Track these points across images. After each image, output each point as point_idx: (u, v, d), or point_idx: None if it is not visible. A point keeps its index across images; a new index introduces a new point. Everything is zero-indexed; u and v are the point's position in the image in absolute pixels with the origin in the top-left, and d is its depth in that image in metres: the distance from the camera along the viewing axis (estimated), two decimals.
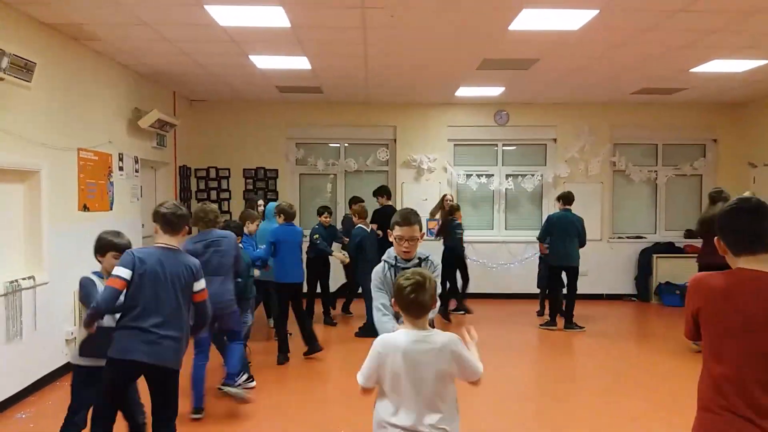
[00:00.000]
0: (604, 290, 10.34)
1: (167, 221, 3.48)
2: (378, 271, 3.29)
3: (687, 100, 9.84)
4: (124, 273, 3.29)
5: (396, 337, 2.56)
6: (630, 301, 10.35)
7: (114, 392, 3.42)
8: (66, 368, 6.01)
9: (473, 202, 10.55)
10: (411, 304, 2.52)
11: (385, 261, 3.32)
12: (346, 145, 10.57)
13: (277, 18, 5.54)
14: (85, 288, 3.58)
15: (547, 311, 8.68)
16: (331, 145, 10.60)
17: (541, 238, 8.53)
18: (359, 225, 7.97)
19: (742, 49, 6.64)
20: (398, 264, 3.25)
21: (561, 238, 8.15)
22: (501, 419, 4.87)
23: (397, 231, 3.26)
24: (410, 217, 3.28)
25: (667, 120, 10.32)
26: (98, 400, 3.47)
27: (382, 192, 8.91)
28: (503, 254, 10.14)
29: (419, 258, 3.30)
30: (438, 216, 9.34)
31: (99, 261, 3.72)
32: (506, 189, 10.50)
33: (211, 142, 10.16)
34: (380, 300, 3.19)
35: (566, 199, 8.27)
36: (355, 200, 8.68)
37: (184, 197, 9.67)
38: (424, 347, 2.49)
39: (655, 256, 10.15)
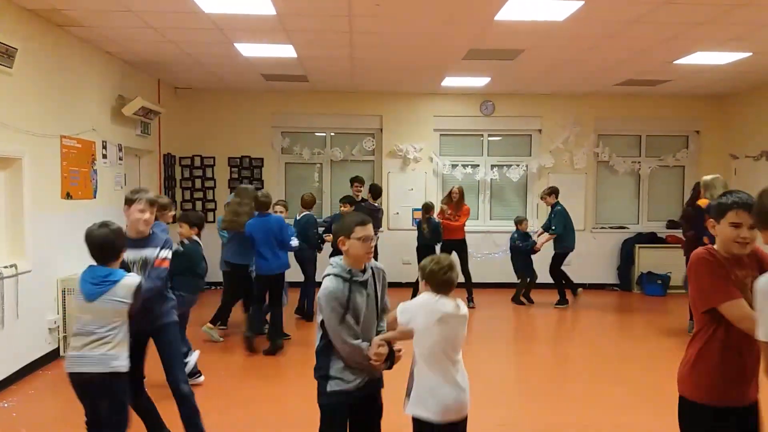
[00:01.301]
0: (586, 280, 10.43)
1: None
2: (335, 291, 2.91)
3: (671, 92, 9.93)
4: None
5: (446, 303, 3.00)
6: (612, 290, 10.47)
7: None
8: (49, 357, 6.01)
9: None
10: (445, 283, 3.01)
11: (337, 276, 2.95)
12: (332, 134, 10.55)
13: (262, 5, 5.51)
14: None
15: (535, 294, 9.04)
16: (317, 134, 10.57)
17: (556, 230, 8.85)
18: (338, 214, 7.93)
19: (725, 42, 6.70)
20: (354, 278, 2.96)
21: (571, 227, 8.96)
22: (489, 407, 4.93)
23: (360, 232, 2.96)
24: (365, 217, 3.08)
25: (651, 111, 10.40)
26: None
27: (359, 181, 8.97)
28: (488, 244, 10.20)
29: (371, 267, 3.09)
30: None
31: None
32: (491, 179, 10.54)
33: (196, 130, 10.10)
34: (349, 326, 2.93)
35: (558, 193, 9.03)
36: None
37: (168, 185, 9.62)
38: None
39: (637, 246, 10.26)
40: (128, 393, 3.43)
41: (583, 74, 8.60)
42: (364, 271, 3.03)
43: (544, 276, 9.14)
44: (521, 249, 9.01)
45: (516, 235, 9.10)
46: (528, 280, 9.16)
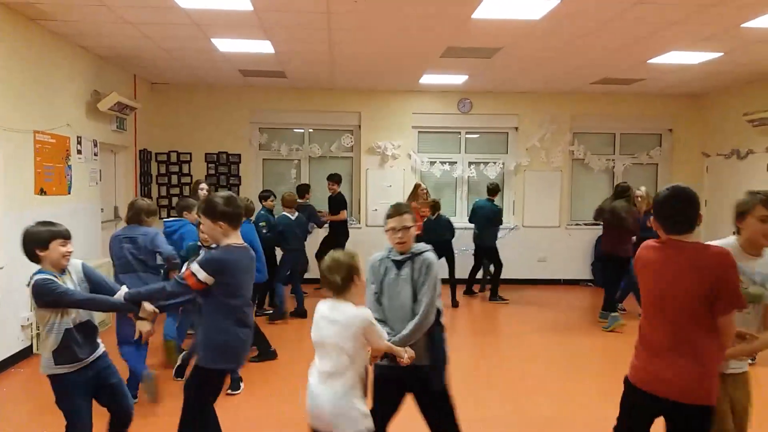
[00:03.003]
0: (561, 276, 10.58)
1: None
2: (371, 262, 3.26)
3: (645, 91, 10.08)
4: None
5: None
6: (586, 286, 10.61)
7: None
8: (22, 354, 5.94)
9: (437, 188, 10.64)
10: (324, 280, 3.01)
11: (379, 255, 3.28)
12: (311, 130, 10.54)
13: (239, 1, 5.49)
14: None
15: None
16: (295, 130, 10.55)
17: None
18: (284, 213, 7.87)
19: (698, 42, 6.82)
20: (391, 256, 3.22)
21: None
22: (464, 401, 4.98)
23: (390, 223, 3.20)
24: (401, 207, 3.24)
25: (625, 110, 10.55)
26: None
27: (335, 179, 9.18)
28: (466, 240, 10.27)
29: (413, 252, 3.20)
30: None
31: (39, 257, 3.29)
32: (469, 176, 10.62)
33: (173, 126, 10.02)
34: (371, 292, 3.21)
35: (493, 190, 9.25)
36: (302, 188, 8.87)
37: (144, 182, 9.53)
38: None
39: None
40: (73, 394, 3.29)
41: (559, 73, 8.70)
42: (403, 253, 3.19)
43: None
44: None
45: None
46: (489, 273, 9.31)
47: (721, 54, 7.35)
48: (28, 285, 3.21)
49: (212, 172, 10.17)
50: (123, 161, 8.88)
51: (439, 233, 8.47)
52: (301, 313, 7.86)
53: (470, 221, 9.33)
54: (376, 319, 2.97)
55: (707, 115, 10.33)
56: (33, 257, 3.25)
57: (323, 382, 2.90)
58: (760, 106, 8.69)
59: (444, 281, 8.60)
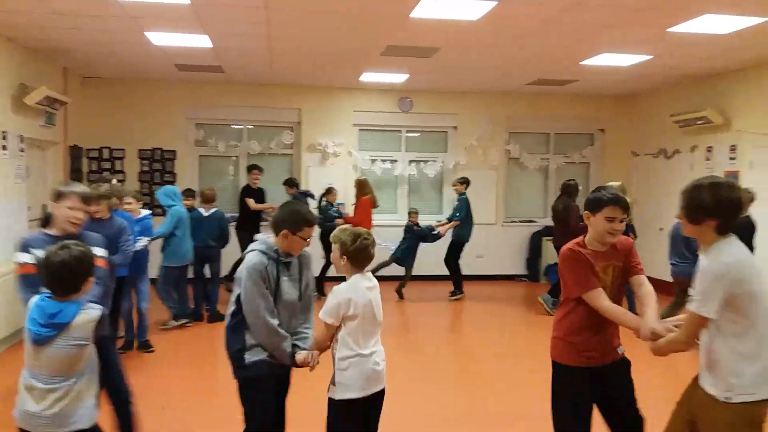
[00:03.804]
0: (497, 271, 10.81)
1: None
2: (259, 264, 2.96)
3: (577, 92, 10.41)
4: None
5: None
6: (521, 281, 10.88)
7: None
8: None
9: (378, 186, 10.65)
10: (357, 254, 3.04)
11: (263, 253, 3.01)
12: (250, 126, 10.39)
13: None
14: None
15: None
16: (233, 126, 10.38)
17: (460, 215, 9.07)
18: (199, 208, 7.69)
19: (629, 44, 7.09)
20: (280, 258, 3.04)
21: (470, 219, 9.16)
22: (408, 393, 5.03)
23: (309, 232, 3.09)
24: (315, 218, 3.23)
25: (559, 110, 10.87)
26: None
27: (292, 183, 9.23)
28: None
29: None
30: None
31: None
32: (409, 174, 10.71)
33: (105, 121, 9.68)
34: (268, 302, 2.97)
35: (469, 184, 9.20)
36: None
37: (75, 178, 9.17)
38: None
39: (544, 239, 10.72)
40: None
41: (496, 73, 8.87)
42: (291, 255, 3.10)
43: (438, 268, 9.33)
44: (426, 237, 9.09)
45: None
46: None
47: (650, 57, 7.66)
48: None
49: (146, 168, 9.89)
50: (52, 157, 8.52)
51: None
52: (198, 315, 7.58)
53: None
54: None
55: (636, 115, 10.76)
56: None
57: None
58: (686, 107, 9.11)
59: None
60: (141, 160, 9.90)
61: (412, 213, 9.27)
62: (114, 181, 7.26)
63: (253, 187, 9.10)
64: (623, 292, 3.07)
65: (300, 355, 3.01)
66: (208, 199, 7.75)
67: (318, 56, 7.94)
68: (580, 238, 3.04)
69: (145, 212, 6.49)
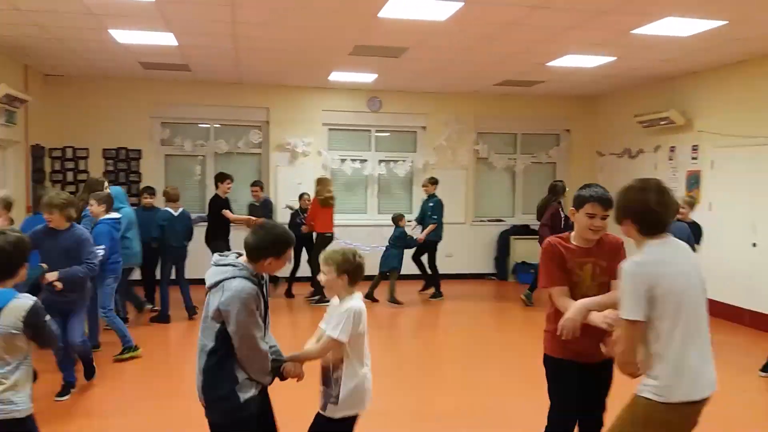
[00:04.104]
0: (466, 270, 10.89)
1: None
2: (252, 294, 2.70)
3: (544, 93, 10.54)
4: None
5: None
6: (490, 279, 10.97)
7: None
8: None
9: (347, 186, 10.68)
10: (359, 270, 2.99)
11: (247, 279, 2.73)
12: (217, 125, 10.27)
13: None
14: None
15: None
16: (200, 125, 10.25)
17: (438, 219, 9.02)
18: (166, 208, 7.59)
19: (593, 46, 7.20)
20: (262, 281, 2.87)
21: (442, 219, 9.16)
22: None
23: (290, 251, 2.95)
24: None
25: (526, 111, 10.99)
26: None
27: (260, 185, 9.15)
28: (376, 238, 10.33)
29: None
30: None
31: None
32: (379, 174, 10.71)
33: (68, 120, 9.48)
34: (261, 331, 2.81)
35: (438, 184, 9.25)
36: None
37: (36, 179, 8.97)
38: None
39: (512, 237, 10.83)
40: None
41: (464, 74, 8.93)
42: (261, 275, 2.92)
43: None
44: (409, 244, 9.10)
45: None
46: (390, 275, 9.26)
47: (614, 58, 7.79)
48: None
49: (111, 168, 9.72)
50: (13, 157, 8.31)
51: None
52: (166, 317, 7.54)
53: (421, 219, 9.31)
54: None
55: (601, 116, 10.93)
56: None
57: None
58: (649, 108, 9.28)
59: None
60: (105, 160, 9.72)
61: (401, 218, 9.02)
62: (106, 184, 6.97)
63: (223, 197, 8.35)
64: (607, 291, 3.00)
65: (289, 366, 2.95)
66: (172, 198, 7.64)
67: (285, 55, 7.89)
68: (566, 233, 3.10)
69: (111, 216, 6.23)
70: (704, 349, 2.46)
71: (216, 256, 2.89)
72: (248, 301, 2.66)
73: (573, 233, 3.07)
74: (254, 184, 9.18)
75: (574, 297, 2.92)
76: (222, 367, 2.72)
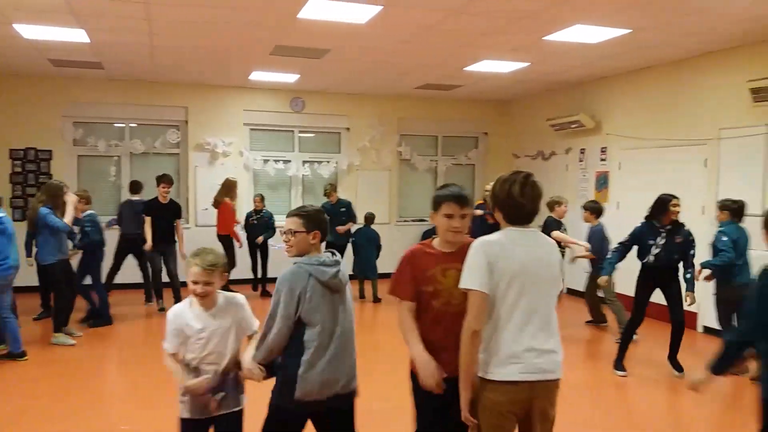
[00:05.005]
0: (390, 269, 10.95)
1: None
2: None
3: (463, 97, 10.81)
4: None
5: None
6: None
7: None
8: None
9: (271, 187, 10.58)
10: None
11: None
12: (132, 125, 9.96)
13: None
14: None
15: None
16: (115, 125, 9.90)
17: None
18: (89, 212, 7.29)
19: (507, 52, 7.45)
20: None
21: None
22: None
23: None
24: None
25: (446, 114, 11.24)
26: None
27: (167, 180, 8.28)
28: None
29: None
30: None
31: None
32: (303, 175, 10.68)
33: None
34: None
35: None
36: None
37: None
38: None
39: (434, 237, 11.01)
40: None
41: (385, 77, 9.04)
42: None
43: None
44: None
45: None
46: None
47: (528, 64, 8.09)
48: None
49: (18, 169, 9.25)
50: None
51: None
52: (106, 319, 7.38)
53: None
54: None
55: (517, 119, 11.33)
56: None
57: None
58: (561, 111, 9.70)
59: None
60: (13, 161, 9.24)
61: (372, 217, 9.20)
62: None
63: (163, 201, 8.04)
64: None
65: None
66: (85, 201, 7.32)
67: (203, 54, 7.75)
68: (429, 239, 2.96)
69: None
70: (537, 336, 2.53)
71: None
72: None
73: (436, 239, 2.91)
74: (167, 180, 8.33)
75: (437, 305, 2.77)
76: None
